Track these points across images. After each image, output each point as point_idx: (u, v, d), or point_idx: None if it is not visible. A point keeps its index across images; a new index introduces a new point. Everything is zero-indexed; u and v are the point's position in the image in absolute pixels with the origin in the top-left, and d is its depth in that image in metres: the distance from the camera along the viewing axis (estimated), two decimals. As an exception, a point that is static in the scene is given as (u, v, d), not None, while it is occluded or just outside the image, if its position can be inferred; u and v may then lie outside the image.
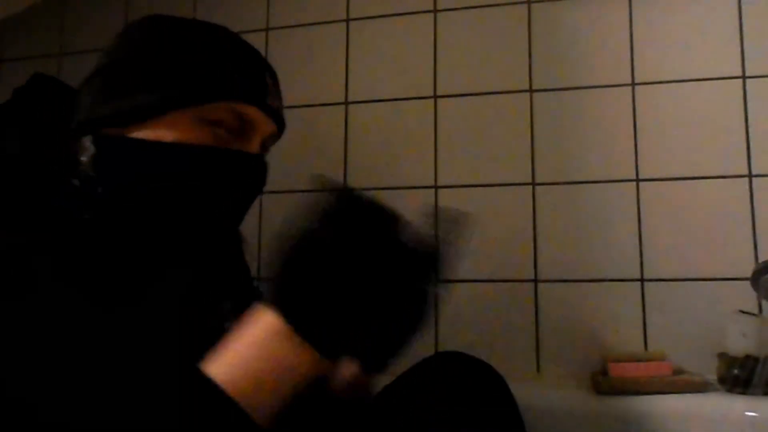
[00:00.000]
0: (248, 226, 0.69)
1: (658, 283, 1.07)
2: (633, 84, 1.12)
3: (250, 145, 0.63)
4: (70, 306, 0.49)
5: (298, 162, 1.17)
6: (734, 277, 1.03)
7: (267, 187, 0.66)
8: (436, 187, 1.17)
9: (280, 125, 0.67)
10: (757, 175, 1.05)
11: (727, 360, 0.94)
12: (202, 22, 0.68)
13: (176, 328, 0.55)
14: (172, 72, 0.60)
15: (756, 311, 1.01)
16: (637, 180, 1.09)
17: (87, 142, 0.59)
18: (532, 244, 1.12)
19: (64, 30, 1.39)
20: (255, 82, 0.63)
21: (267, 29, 1.28)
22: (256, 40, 1.26)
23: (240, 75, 0.62)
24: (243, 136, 0.62)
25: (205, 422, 0.42)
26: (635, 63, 1.12)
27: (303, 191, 1.11)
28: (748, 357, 0.92)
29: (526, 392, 0.79)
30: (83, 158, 0.58)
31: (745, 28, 1.09)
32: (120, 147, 0.59)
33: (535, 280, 1.11)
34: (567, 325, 1.09)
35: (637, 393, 0.93)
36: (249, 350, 0.44)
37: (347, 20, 1.25)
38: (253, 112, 0.62)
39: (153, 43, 0.63)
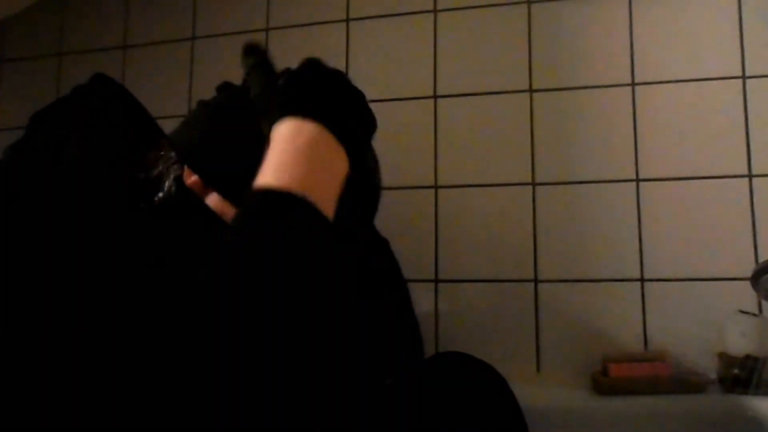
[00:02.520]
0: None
1: (658, 283, 1.07)
2: (633, 84, 1.12)
3: None
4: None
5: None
6: (734, 277, 1.03)
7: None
8: (436, 187, 1.17)
9: None
10: (757, 175, 1.05)
11: (727, 360, 0.94)
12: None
13: None
14: None
15: (756, 311, 1.01)
16: (637, 180, 1.09)
17: (170, 178, 0.59)
18: (532, 244, 1.12)
19: (64, 30, 1.39)
20: None
21: (267, 29, 1.28)
22: (256, 40, 1.26)
23: None
24: None
25: (277, 220, 0.42)
26: (635, 63, 1.12)
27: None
28: (748, 357, 0.92)
29: (526, 392, 0.79)
30: (162, 191, 0.59)
31: (745, 28, 1.09)
32: (192, 207, 0.59)
33: (535, 280, 1.11)
34: (567, 325, 1.09)
35: (637, 393, 0.93)
36: (297, 157, 0.45)
37: (347, 20, 1.25)
38: None
39: None
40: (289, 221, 0.42)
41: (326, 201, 0.45)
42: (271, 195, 0.43)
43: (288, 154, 0.46)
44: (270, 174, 0.44)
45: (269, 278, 0.40)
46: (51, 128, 0.60)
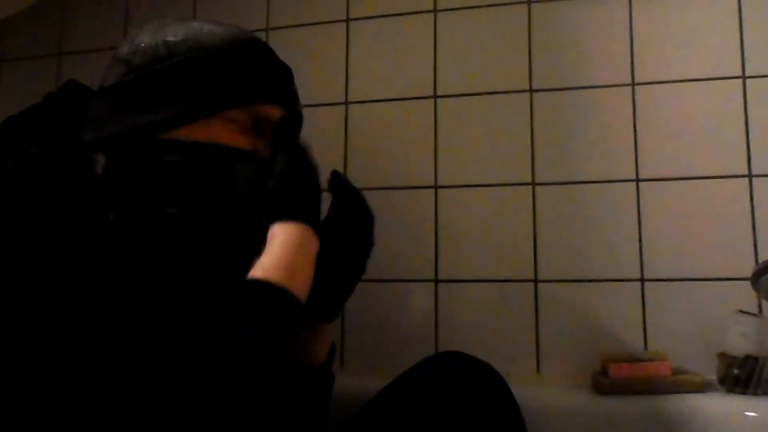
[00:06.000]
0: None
1: (658, 283, 1.07)
2: (633, 84, 1.12)
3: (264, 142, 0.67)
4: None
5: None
6: (734, 277, 1.03)
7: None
8: (436, 187, 1.17)
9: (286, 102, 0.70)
10: (757, 175, 1.05)
11: (727, 360, 0.94)
12: (202, 27, 0.70)
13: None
14: (178, 89, 0.63)
15: (756, 311, 1.01)
16: (637, 180, 1.09)
17: (100, 157, 0.63)
18: (532, 244, 1.12)
19: (64, 30, 1.39)
20: (261, 79, 0.67)
21: (267, 29, 1.28)
22: (256, 40, 1.26)
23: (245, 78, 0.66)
24: (257, 133, 0.67)
25: (262, 309, 0.55)
26: (635, 63, 1.12)
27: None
28: (748, 357, 0.92)
29: (526, 392, 0.79)
30: (98, 170, 0.62)
31: (745, 28, 1.09)
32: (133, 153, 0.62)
33: (535, 280, 1.11)
34: (567, 325, 1.09)
35: (637, 393, 0.94)
36: (283, 248, 0.59)
37: (347, 20, 1.25)
38: (264, 108, 0.67)
39: (162, 59, 0.66)
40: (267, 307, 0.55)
41: (303, 281, 0.59)
42: (262, 285, 0.56)
43: (285, 251, 0.59)
44: (269, 266, 0.57)
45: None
46: (18, 132, 0.63)
